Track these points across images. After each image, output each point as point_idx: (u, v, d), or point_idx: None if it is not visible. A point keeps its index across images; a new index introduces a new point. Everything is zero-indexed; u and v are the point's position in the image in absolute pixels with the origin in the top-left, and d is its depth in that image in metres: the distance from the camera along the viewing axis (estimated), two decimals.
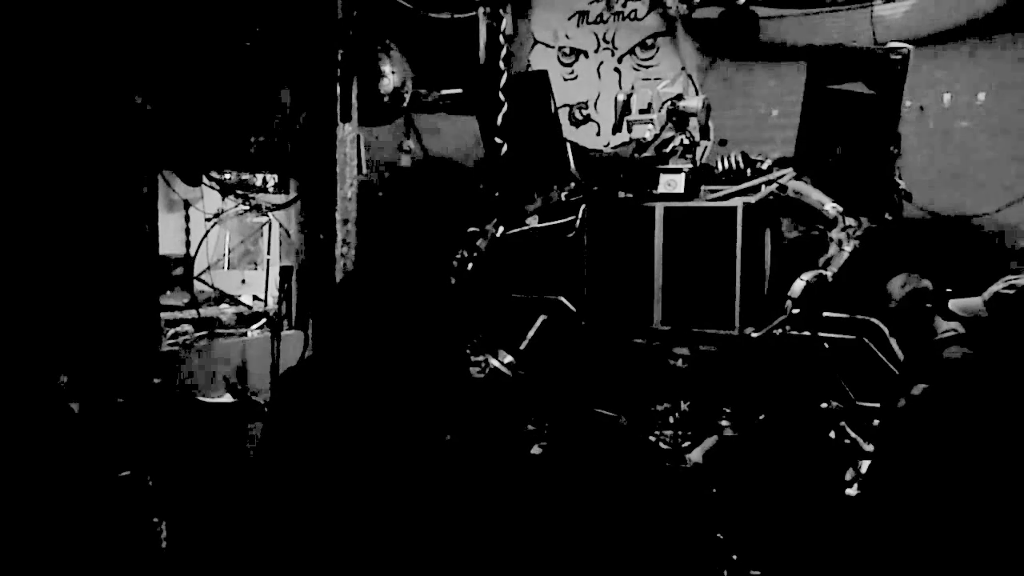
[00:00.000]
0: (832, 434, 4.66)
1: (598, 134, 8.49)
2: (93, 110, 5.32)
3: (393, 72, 7.31)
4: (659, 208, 6.31)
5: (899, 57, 5.75)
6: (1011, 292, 3.71)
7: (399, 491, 3.55)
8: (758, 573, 4.88)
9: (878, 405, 4.82)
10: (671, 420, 5.64)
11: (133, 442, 4.83)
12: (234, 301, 6.81)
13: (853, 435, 4.73)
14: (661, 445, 5.56)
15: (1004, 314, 3.72)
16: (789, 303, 5.42)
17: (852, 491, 4.60)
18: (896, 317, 4.30)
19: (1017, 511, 3.54)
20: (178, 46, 5.76)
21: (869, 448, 4.74)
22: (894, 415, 4.12)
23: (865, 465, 4.60)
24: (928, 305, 4.11)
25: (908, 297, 4.17)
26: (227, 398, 5.88)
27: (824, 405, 4.83)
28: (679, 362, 5.85)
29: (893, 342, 4.98)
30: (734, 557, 4.90)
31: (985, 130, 6.87)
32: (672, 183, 6.40)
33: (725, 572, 4.90)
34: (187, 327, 6.14)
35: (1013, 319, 3.71)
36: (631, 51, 8.39)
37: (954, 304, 3.98)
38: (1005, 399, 3.65)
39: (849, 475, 4.60)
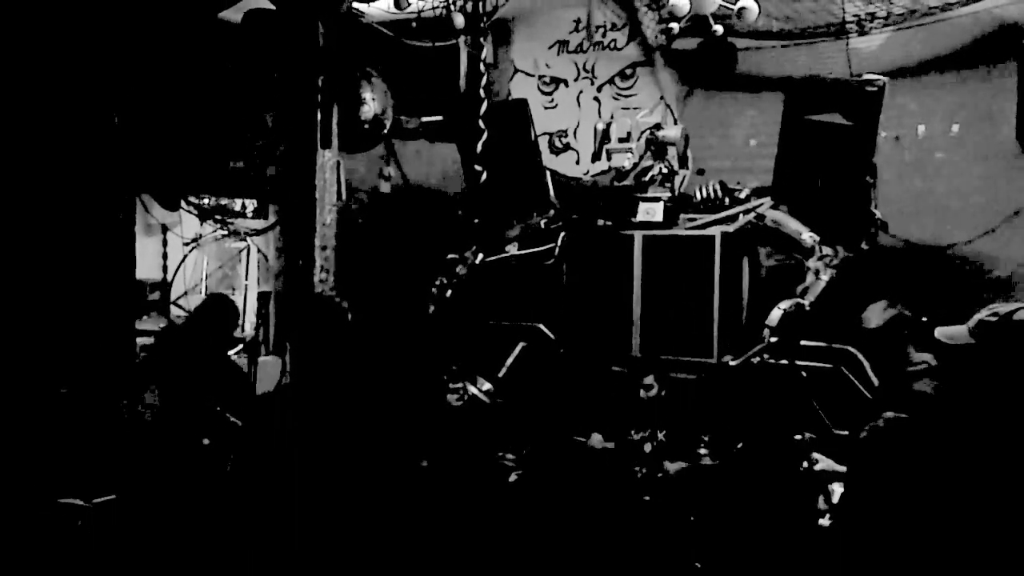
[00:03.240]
0: (804, 464, 4.66)
1: (577, 162, 8.52)
2: (71, 131, 5.29)
3: (374, 99, 7.31)
4: (638, 236, 6.34)
5: (875, 89, 5.82)
6: (994, 319, 3.76)
7: (375, 514, 3.53)
8: None
9: (847, 433, 4.83)
10: (648, 448, 5.63)
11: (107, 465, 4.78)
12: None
13: (824, 464, 4.72)
14: (638, 473, 5.55)
15: (988, 341, 3.76)
16: (767, 332, 5.44)
17: (825, 521, 4.60)
18: (873, 344, 4.31)
19: (987, 537, 3.56)
20: (158, 69, 5.75)
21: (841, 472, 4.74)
22: (859, 443, 4.13)
23: (837, 494, 4.60)
24: (905, 332, 4.13)
25: (887, 324, 4.19)
26: None
27: (797, 437, 4.82)
28: (657, 390, 5.84)
29: (868, 369, 4.99)
30: None
31: (959, 161, 6.94)
32: (651, 211, 6.44)
33: None
34: None
35: (997, 346, 3.75)
36: (611, 80, 8.44)
37: (940, 332, 4.01)
38: (976, 431, 3.68)
39: (821, 504, 4.59)
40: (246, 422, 5.76)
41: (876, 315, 4.23)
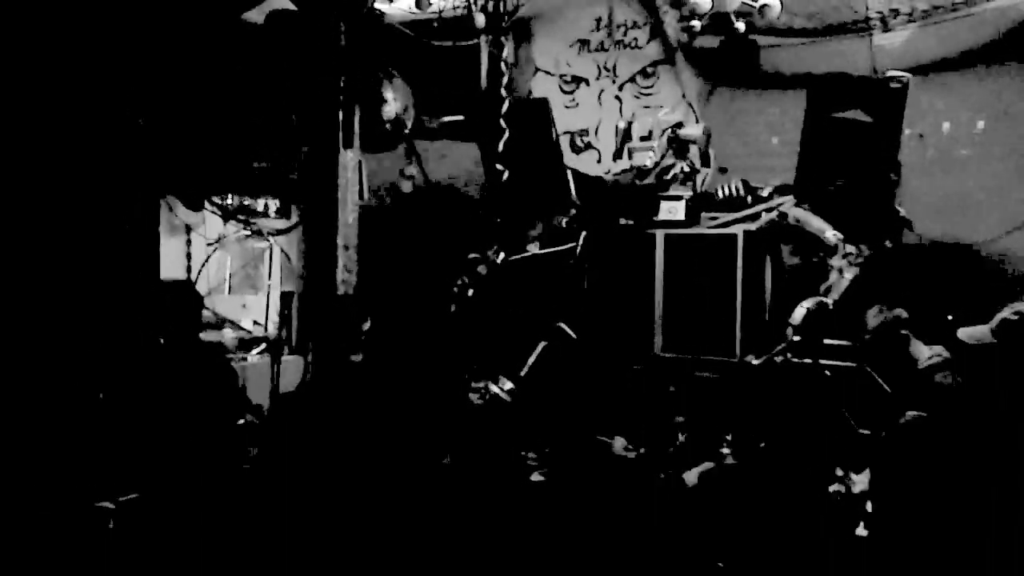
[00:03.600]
0: (841, 488, 4.67)
1: (599, 161, 8.51)
2: (95, 132, 5.34)
3: (395, 99, 7.33)
4: (660, 235, 6.33)
5: (899, 85, 5.78)
6: (1016, 318, 3.76)
7: (397, 510, 3.54)
8: None
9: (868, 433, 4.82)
10: (671, 448, 5.62)
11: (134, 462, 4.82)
12: (235, 326, 6.80)
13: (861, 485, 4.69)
14: (660, 473, 5.54)
15: (1010, 340, 3.77)
16: (790, 330, 5.41)
17: (861, 530, 4.58)
18: (872, 347, 4.32)
19: (1012, 532, 3.54)
20: (182, 71, 5.80)
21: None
22: (882, 443, 4.12)
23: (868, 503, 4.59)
24: (903, 332, 4.13)
25: (881, 326, 4.19)
26: None
27: (832, 489, 4.81)
28: (679, 389, 5.83)
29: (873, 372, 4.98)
30: None
31: (984, 158, 6.88)
32: (673, 210, 6.42)
33: None
34: None
35: (1020, 345, 3.75)
36: (632, 79, 8.43)
37: (962, 333, 4.02)
38: (999, 422, 3.67)
39: (861, 530, 4.56)
40: (268, 421, 5.81)
41: (870, 320, 4.24)
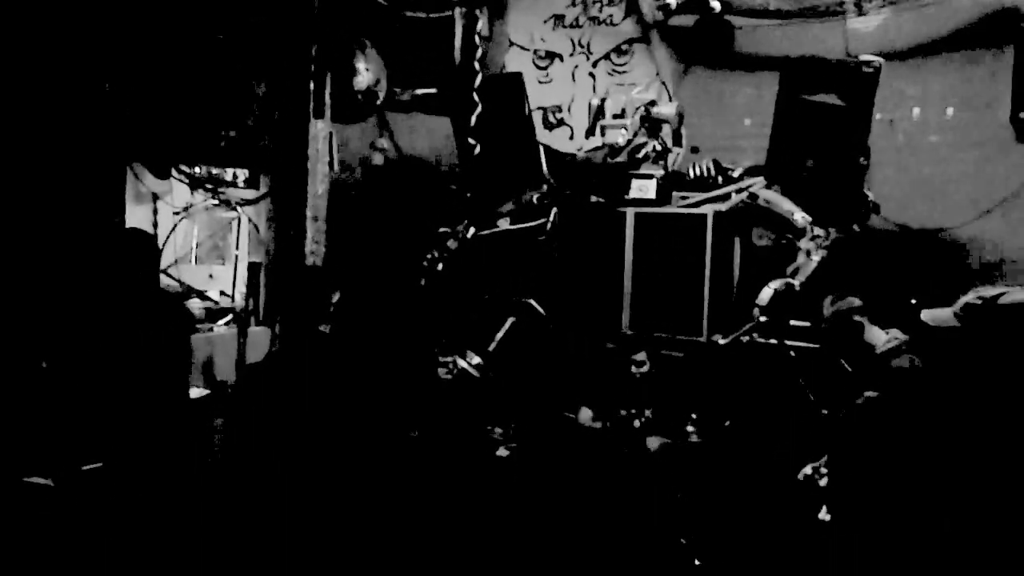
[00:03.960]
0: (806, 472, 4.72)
1: (571, 138, 8.50)
2: (60, 98, 5.24)
3: (368, 69, 7.28)
4: (630, 213, 6.34)
5: (871, 70, 5.80)
6: (979, 303, 3.82)
7: (363, 481, 3.54)
8: None
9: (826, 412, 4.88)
10: (636, 425, 5.65)
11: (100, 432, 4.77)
12: (202, 296, 6.74)
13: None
14: (625, 449, 5.57)
15: (973, 324, 3.82)
16: (757, 311, 5.46)
17: (824, 515, 4.63)
18: (827, 334, 4.37)
19: (972, 515, 3.60)
20: (150, 35, 5.70)
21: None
22: (840, 422, 4.18)
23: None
24: (856, 319, 4.18)
25: (835, 315, 4.24)
26: (196, 392, 5.81)
27: (800, 477, 4.84)
28: (646, 367, 5.86)
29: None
30: (696, 562, 4.92)
31: (953, 145, 6.94)
32: (644, 188, 6.43)
33: None
34: None
35: (981, 329, 3.80)
36: (606, 56, 8.41)
37: (926, 314, 4.07)
38: (960, 412, 3.73)
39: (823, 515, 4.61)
40: (233, 392, 5.77)
41: (825, 309, 4.29)
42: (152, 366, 4.84)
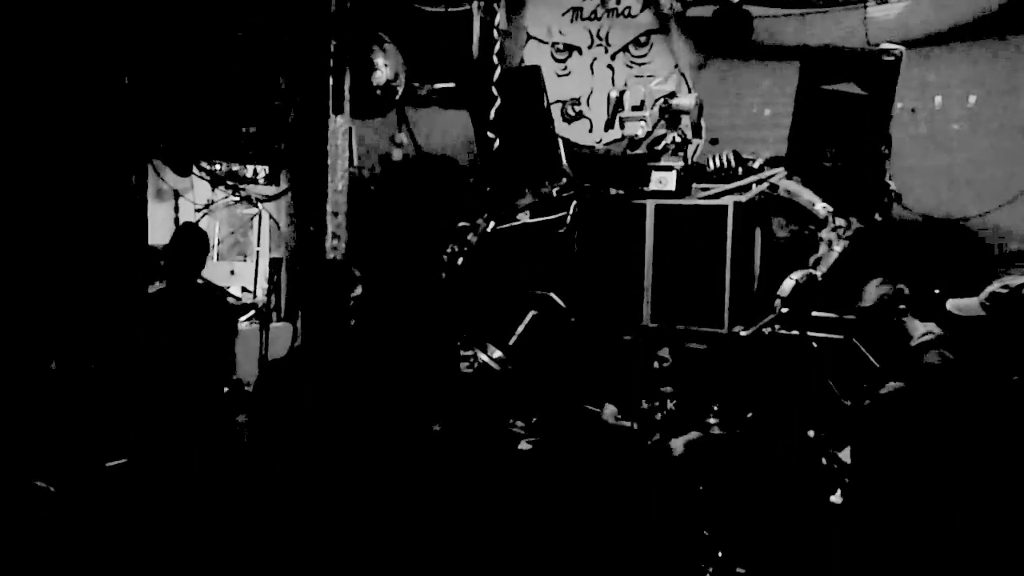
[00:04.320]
0: (823, 460, 4.70)
1: (590, 130, 8.48)
2: (81, 95, 5.28)
3: (386, 65, 7.29)
4: (650, 205, 6.32)
5: (892, 58, 5.76)
6: (1005, 291, 3.81)
7: (385, 477, 3.54)
8: (743, 571, 4.89)
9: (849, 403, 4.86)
10: (658, 417, 5.64)
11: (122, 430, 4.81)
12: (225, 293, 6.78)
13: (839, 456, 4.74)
14: (648, 442, 5.56)
15: (999, 313, 3.81)
16: (778, 302, 5.42)
17: (836, 498, 4.62)
18: (868, 320, 4.30)
19: (995, 508, 3.58)
20: (170, 33, 5.73)
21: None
22: (862, 413, 4.15)
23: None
24: (901, 307, 4.12)
25: (881, 301, 4.18)
26: None
27: (811, 434, 4.82)
28: (667, 360, 5.84)
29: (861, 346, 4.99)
30: (720, 554, 4.91)
31: (976, 133, 6.88)
32: (663, 181, 6.41)
33: (711, 569, 4.91)
34: None
35: (1008, 318, 3.79)
36: (624, 48, 8.38)
37: (951, 304, 4.05)
38: (986, 401, 3.71)
39: (836, 498, 4.61)
40: (255, 388, 5.80)
41: (870, 293, 4.23)
42: (203, 355, 4.90)
